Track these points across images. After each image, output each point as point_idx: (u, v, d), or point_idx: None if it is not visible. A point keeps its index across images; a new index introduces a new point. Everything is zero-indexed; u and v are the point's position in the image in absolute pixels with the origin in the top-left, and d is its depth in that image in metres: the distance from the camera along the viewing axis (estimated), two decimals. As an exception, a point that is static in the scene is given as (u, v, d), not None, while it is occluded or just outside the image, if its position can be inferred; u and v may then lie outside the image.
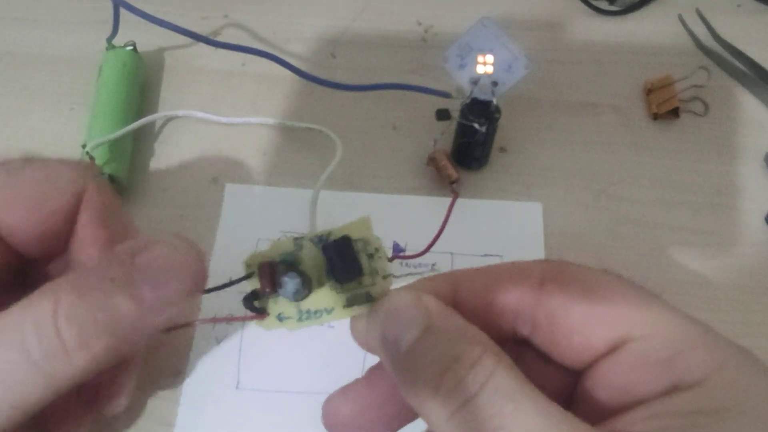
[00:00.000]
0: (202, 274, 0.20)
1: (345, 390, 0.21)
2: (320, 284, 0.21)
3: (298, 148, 0.42)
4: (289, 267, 0.20)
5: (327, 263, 0.20)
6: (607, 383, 0.20)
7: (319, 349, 0.35)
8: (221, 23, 0.48)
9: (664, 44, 0.47)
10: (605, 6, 0.49)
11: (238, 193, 0.40)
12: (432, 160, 0.40)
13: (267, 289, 0.20)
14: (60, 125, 0.43)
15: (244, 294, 0.21)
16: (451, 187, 0.39)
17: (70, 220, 0.24)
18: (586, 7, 0.49)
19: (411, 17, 0.49)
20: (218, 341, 0.34)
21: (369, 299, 0.21)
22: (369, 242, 0.21)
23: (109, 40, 0.43)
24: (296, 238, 0.21)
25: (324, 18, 0.48)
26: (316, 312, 0.21)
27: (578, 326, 0.20)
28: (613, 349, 0.19)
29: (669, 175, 0.41)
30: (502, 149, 0.42)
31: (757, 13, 0.49)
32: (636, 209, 0.40)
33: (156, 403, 0.33)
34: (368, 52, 0.47)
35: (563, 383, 0.21)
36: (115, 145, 0.39)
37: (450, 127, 0.39)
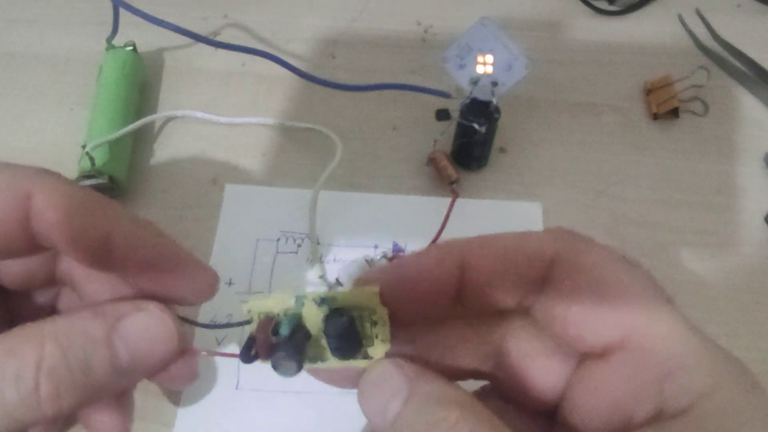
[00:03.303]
0: (173, 351, 0.21)
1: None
2: (318, 344, 0.21)
3: (298, 148, 0.42)
4: (287, 338, 0.20)
5: (327, 340, 0.20)
6: (596, 393, 0.19)
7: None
8: (221, 23, 0.48)
9: (664, 44, 0.47)
10: (605, 6, 0.49)
11: (237, 193, 0.40)
12: (432, 160, 0.40)
13: (260, 355, 0.20)
14: (60, 125, 0.43)
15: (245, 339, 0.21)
16: (451, 187, 0.39)
17: (18, 227, 0.22)
18: (586, 7, 0.49)
19: (411, 17, 0.49)
20: (218, 341, 0.34)
21: (365, 357, 0.20)
22: (374, 312, 0.20)
23: (109, 40, 0.43)
24: (298, 296, 0.20)
25: (324, 18, 0.48)
26: (310, 360, 0.21)
27: (576, 318, 0.20)
28: (606, 352, 0.19)
29: (669, 175, 0.41)
30: (502, 149, 0.42)
31: (757, 13, 0.49)
32: (636, 209, 0.40)
33: (156, 403, 0.33)
34: (368, 52, 0.47)
35: (560, 376, 0.21)
36: (114, 146, 0.39)
37: (450, 127, 0.39)
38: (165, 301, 0.26)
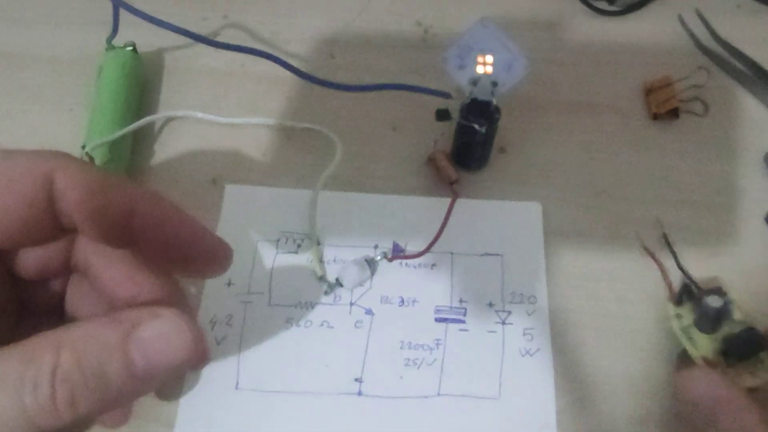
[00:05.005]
0: (198, 357, 0.21)
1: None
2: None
3: (298, 148, 0.42)
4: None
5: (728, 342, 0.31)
6: None
7: (319, 349, 0.35)
8: (221, 23, 0.48)
9: (664, 44, 0.47)
10: (605, 6, 0.49)
11: (237, 194, 0.40)
12: (432, 161, 0.40)
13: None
14: (60, 125, 0.43)
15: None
16: (450, 188, 0.39)
17: (44, 210, 0.23)
18: (586, 7, 0.49)
19: (411, 17, 0.49)
20: (218, 342, 0.34)
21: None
22: None
23: (109, 40, 0.43)
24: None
25: (324, 18, 0.48)
26: (690, 336, 0.32)
27: None
28: None
29: (669, 175, 0.41)
30: (502, 149, 0.42)
31: (757, 13, 0.49)
32: (636, 209, 0.40)
33: (156, 403, 0.33)
34: (368, 52, 0.47)
35: None
36: (114, 146, 0.39)
37: (450, 128, 0.39)
38: (183, 274, 0.26)
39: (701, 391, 0.27)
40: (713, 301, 0.31)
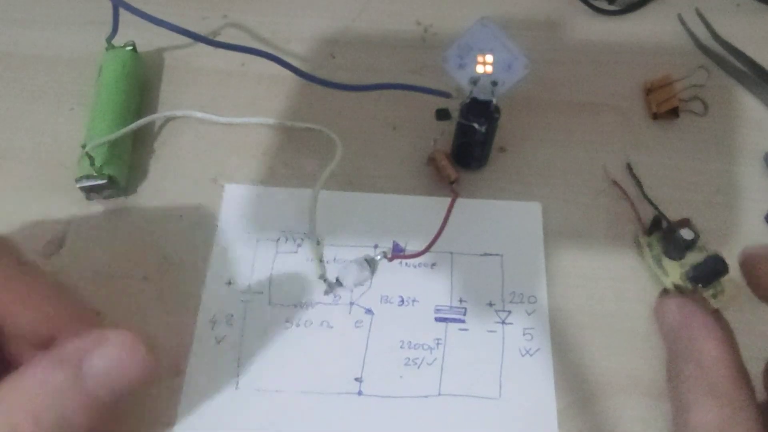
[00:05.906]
0: (149, 368, 0.21)
1: None
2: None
3: (298, 148, 0.42)
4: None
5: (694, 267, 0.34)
6: None
7: (319, 349, 0.35)
8: (221, 23, 0.48)
9: (664, 44, 0.48)
10: (605, 6, 0.49)
11: (237, 193, 0.40)
12: (431, 160, 0.40)
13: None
14: (60, 125, 0.43)
15: None
16: (450, 187, 0.39)
17: None
18: (586, 7, 0.49)
19: (411, 17, 0.49)
20: (218, 341, 0.34)
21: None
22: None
23: (109, 40, 0.43)
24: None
25: (324, 18, 0.48)
26: (662, 263, 0.36)
27: None
28: None
29: (669, 174, 0.41)
30: (502, 149, 0.42)
31: (756, 13, 0.49)
32: (636, 209, 0.40)
33: (156, 403, 0.33)
34: (368, 52, 0.47)
35: None
36: (114, 146, 0.39)
37: (450, 127, 0.39)
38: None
39: (671, 316, 0.27)
40: (686, 234, 0.34)
